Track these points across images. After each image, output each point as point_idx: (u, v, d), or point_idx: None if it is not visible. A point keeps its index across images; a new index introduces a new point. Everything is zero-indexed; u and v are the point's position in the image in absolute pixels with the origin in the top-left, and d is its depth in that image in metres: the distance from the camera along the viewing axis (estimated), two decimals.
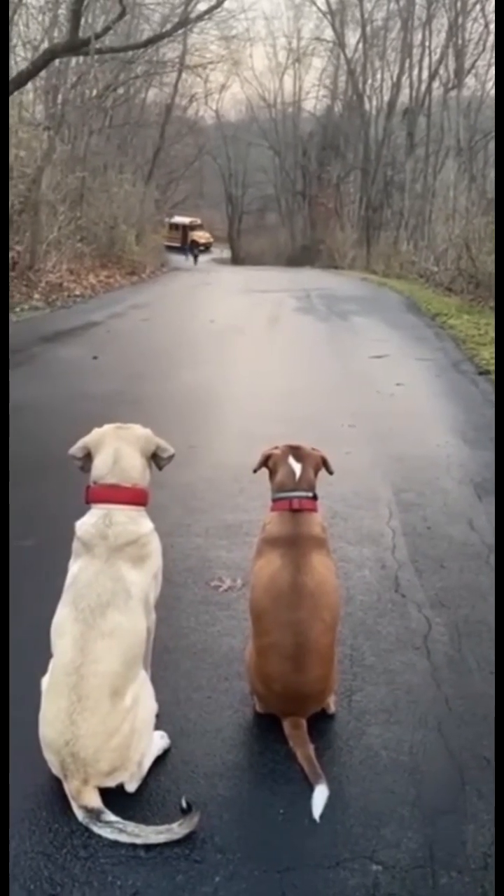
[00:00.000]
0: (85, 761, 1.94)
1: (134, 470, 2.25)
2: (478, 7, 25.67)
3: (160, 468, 2.38)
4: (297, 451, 2.51)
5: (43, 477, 4.44)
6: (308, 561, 2.30)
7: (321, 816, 2.00)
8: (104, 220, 19.90)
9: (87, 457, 2.27)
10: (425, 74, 29.33)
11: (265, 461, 2.56)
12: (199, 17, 21.01)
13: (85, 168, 18.60)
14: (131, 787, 2.04)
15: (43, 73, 16.27)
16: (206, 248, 42.65)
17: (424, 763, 2.23)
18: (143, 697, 2.08)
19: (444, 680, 2.64)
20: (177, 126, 33.18)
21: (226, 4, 20.88)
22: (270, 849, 1.91)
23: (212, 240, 44.13)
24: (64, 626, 2.06)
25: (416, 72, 29.98)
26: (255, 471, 2.61)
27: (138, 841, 1.87)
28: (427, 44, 29.32)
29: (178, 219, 39.75)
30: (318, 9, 36.28)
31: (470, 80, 27.09)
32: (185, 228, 40.28)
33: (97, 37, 14.98)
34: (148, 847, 1.87)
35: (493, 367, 7.92)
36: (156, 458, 2.34)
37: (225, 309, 13.51)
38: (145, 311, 12.95)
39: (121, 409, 5.34)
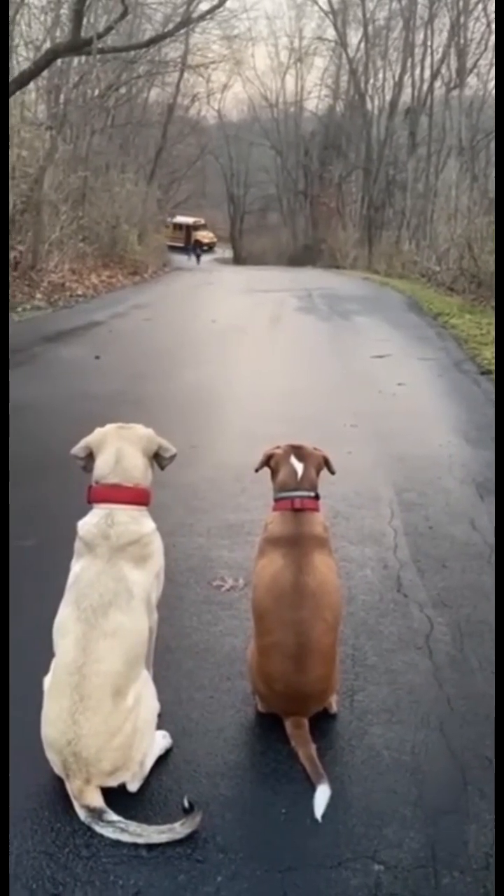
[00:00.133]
0: (87, 761, 1.94)
1: (136, 470, 2.25)
2: (480, 6, 25.66)
3: (162, 468, 2.38)
4: (299, 451, 2.51)
5: (44, 477, 4.44)
6: (310, 561, 2.30)
7: (323, 816, 2.00)
8: (106, 219, 19.90)
9: (90, 456, 2.27)
10: (427, 74, 29.37)
11: (267, 461, 2.56)
12: (202, 17, 20.99)
13: (87, 168, 18.59)
14: (133, 787, 2.04)
15: (45, 73, 16.27)
16: (210, 248, 42.65)
17: (426, 763, 2.23)
18: (145, 697, 2.08)
19: (446, 680, 2.64)
20: (179, 126, 33.15)
21: (228, 4, 20.85)
22: (272, 848, 1.91)
23: (216, 240, 44.12)
24: (66, 625, 2.06)
25: (417, 71, 30.05)
26: (256, 470, 2.61)
27: (140, 840, 1.88)
28: (429, 43, 29.38)
29: (181, 218, 39.69)
30: (320, 8, 36.34)
31: (472, 80, 27.15)
32: (189, 228, 40.24)
33: (99, 36, 14.95)
34: (150, 846, 1.88)
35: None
36: (158, 458, 2.34)
37: (227, 309, 13.51)
38: (147, 311, 12.95)
39: (123, 408, 5.35)
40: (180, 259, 33.28)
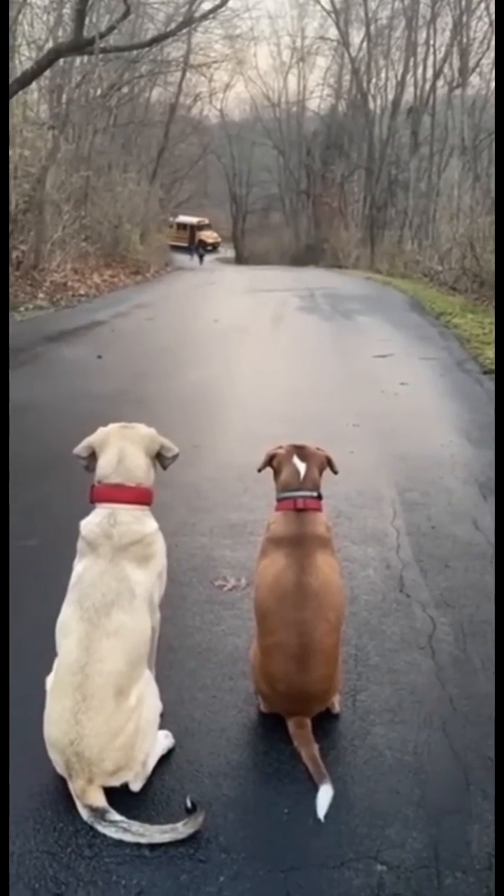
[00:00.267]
0: (90, 760, 1.94)
1: (138, 469, 2.24)
2: (482, 5, 25.62)
3: (164, 468, 2.38)
4: (301, 451, 2.51)
5: (47, 476, 4.44)
6: (312, 560, 2.30)
7: (326, 816, 2.00)
8: (108, 219, 19.92)
9: (92, 456, 2.27)
10: (430, 73, 29.38)
11: (269, 460, 2.55)
12: (204, 17, 21.04)
13: (89, 167, 18.60)
14: (136, 787, 2.04)
15: (47, 73, 16.31)
16: (214, 248, 42.57)
17: (429, 763, 2.23)
18: (147, 697, 2.08)
19: (448, 680, 2.63)
20: (181, 125, 33.19)
21: (230, 3, 20.87)
22: (275, 848, 1.91)
23: (219, 240, 44.04)
24: (69, 625, 2.06)
25: (420, 70, 30.06)
26: (259, 470, 2.61)
27: (143, 840, 1.88)
28: (431, 42, 29.39)
29: (185, 218, 39.65)
30: (323, 8, 36.30)
31: (474, 79, 27.15)
32: (193, 228, 40.12)
33: (101, 36, 14.97)
34: (152, 846, 1.87)
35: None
36: (160, 458, 2.34)
37: (229, 308, 13.51)
38: (149, 311, 12.96)
39: (125, 408, 5.35)
40: (182, 259, 33.25)
